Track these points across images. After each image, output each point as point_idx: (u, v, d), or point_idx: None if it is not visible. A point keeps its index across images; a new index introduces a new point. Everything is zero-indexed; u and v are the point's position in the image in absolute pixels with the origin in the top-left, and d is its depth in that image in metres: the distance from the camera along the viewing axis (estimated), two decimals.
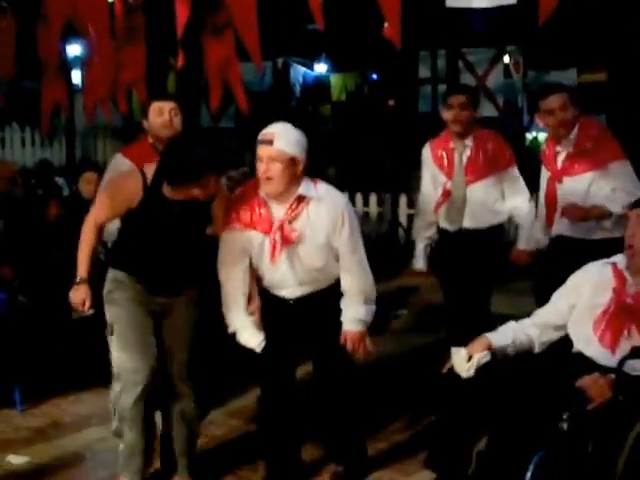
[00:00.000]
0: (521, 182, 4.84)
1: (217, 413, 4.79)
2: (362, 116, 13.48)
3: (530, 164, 5.14)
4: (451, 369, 3.37)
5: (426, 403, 4.66)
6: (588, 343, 3.32)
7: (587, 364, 3.29)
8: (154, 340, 3.71)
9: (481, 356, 3.32)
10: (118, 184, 3.71)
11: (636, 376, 3.16)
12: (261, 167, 3.47)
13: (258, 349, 3.69)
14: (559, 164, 4.47)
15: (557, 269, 4.44)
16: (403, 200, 10.58)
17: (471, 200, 4.80)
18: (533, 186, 4.83)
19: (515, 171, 4.82)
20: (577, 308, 3.40)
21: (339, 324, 3.71)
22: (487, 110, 10.86)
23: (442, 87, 11.51)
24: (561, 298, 3.47)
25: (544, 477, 2.95)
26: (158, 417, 3.93)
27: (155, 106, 4.38)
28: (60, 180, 9.06)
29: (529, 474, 2.92)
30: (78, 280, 3.66)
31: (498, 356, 3.39)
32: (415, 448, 4.27)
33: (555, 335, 3.47)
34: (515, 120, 11.92)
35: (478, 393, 3.44)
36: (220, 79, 6.31)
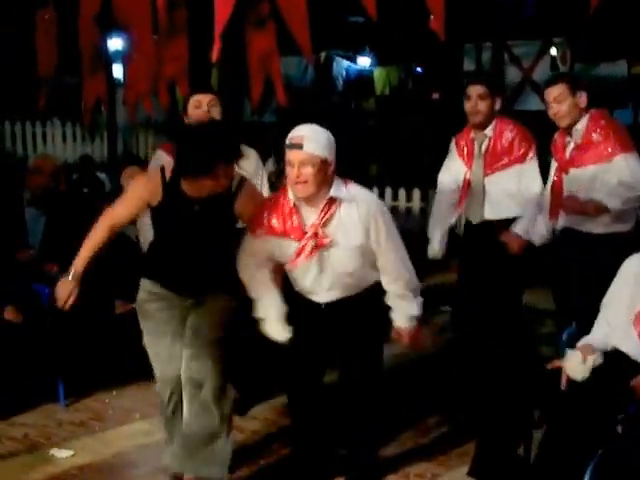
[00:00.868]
0: (537, 175, 4.79)
1: (260, 408, 4.84)
2: (406, 110, 13.44)
3: None
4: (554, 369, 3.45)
5: (460, 403, 4.69)
6: (625, 338, 3.31)
7: (627, 362, 3.30)
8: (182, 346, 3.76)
9: (595, 357, 3.35)
10: (136, 183, 3.73)
11: None
12: (293, 172, 3.42)
13: (282, 342, 3.69)
14: (567, 155, 4.48)
15: (565, 262, 4.53)
16: None
17: (490, 191, 4.80)
18: None
19: (533, 163, 4.77)
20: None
21: (371, 330, 3.71)
22: (533, 103, 10.81)
23: None
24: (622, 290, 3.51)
25: None
26: None
27: (193, 99, 4.47)
28: (102, 175, 9.18)
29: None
30: (70, 275, 3.63)
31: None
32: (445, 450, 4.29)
33: None
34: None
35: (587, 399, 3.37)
36: (261, 73, 6.35)
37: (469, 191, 4.85)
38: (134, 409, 4.85)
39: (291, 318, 3.70)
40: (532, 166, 4.76)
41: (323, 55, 13.12)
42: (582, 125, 4.40)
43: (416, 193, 10.93)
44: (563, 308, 4.61)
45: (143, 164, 5.67)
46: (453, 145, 5.02)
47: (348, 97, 13.80)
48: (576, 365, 3.35)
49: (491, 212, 4.81)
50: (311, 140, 3.41)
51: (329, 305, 3.66)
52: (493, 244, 4.73)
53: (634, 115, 12.76)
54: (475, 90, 4.77)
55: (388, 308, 3.71)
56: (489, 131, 4.81)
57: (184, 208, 3.55)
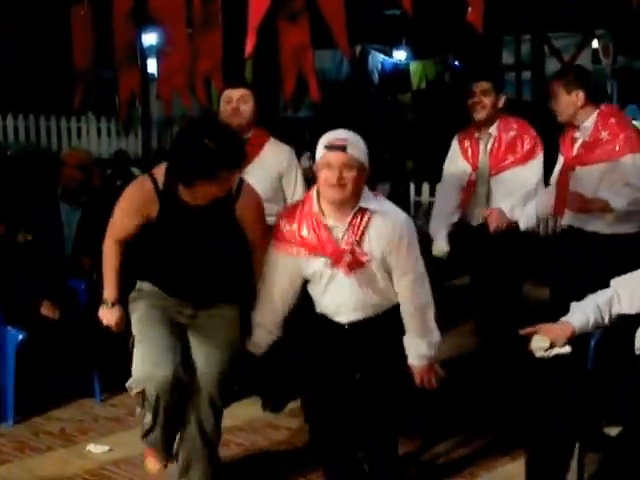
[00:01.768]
0: (538, 171, 4.79)
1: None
2: (443, 104, 13.40)
3: None
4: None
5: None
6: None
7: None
8: (175, 346, 3.54)
9: (562, 350, 3.33)
10: (126, 197, 3.55)
11: None
12: (331, 174, 3.28)
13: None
14: (574, 151, 4.45)
15: (567, 261, 4.50)
16: None
17: (495, 191, 4.81)
18: None
19: (538, 161, 4.79)
20: None
21: (394, 352, 3.53)
22: None
23: (526, 74, 11.37)
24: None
25: None
26: None
27: (224, 94, 4.53)
28: (137, 171, 9.25)
29: None
30: (109, 305, 3.68)
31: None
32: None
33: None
34: None
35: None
36: (294, 67, 6.37)
37: (473, 192, 4.86)
38: None
39: (311, 340, 3.63)
40: (536, 163, 4.78)
41: (358, 49, 13.09)
42: (590, 122, 4.37)
43: None
44: (559, 306, 4.55)
45: None
46: (456, 144, 5.02)
47: (384, 91, 13.77)
48: (538, 345, 3.36)
49: None
50: (354, 144, 3.33)
51: (352, 325, 3.53)
52: (493, 246, 4.74)
53: None
54: (479, 86, 4.80)
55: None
56: (493, 130, 4.82)
57: (184, 216, 3.42)
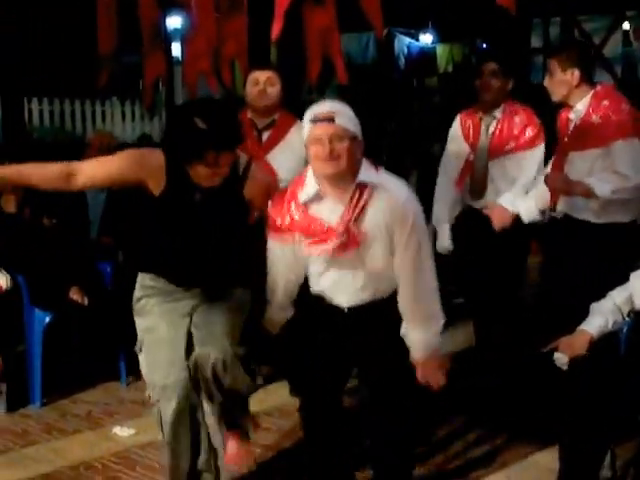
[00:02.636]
0: (539, 161, 4.71)
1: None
2: (470, 88, 13.35)
3: None
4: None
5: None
6: None
7: None
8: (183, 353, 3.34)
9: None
10: (135, 152, 3.35)
11: None
12: (322, 148, 3.08)
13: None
14: (568, 135, 4.32)
15: (558, 250, 4.39)
16: None
17: (494, 176, 4.77)
18: None
19: (539, 150, 4.73)
20: None
21: (397, 338, 3.32)
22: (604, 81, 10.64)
23: None
24: None
25: None
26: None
27: (251, 76, 4.56)
28: None
29: None
30: None
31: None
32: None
33: None
34: (635, 91, 11.62)
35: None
36: (320, 50, 6.37)
37: (472, 174, 4.81)
38: None
39: (308, 324, 3.45)
40: (537, 153, 4.72)
41: (384, 32, 13.07)
42: (583, 104, 4.21)
43: None
44: (550, 296, 4.49)
45: None
46: (457, 124, 4.98)
47: (410, 75, 13.73)
48: (562, 365, 3.45)
49: (494, 198, 4.73)
50: (342, 114, 3.12)
51: (353, 309, 3.33)
52: (494, 231, 4.64)
53: None
54: (487, 67, 4.79)
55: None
56: (498, 113, 4.79)
57: (190, 197, 3.23)
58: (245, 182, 3.31)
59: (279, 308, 3.45)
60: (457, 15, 12.31)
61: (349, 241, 3.16)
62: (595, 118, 4.15)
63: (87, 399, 4.99)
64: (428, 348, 3.30)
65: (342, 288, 3.31)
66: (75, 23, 9.72)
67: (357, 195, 3.14)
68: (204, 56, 6.87)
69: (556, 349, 3.50)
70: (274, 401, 4.87)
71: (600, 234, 4.19)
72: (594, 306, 3.53)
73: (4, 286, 4.82)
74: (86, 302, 4.98)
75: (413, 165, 8.19)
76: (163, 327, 3.35)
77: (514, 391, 4.74)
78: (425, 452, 4.15)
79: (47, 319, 4.82)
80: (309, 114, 3.15)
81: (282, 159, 4.52)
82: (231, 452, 3.54)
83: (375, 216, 3.15)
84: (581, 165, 4.20)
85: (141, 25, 7.14)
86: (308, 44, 6.41)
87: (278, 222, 3.27)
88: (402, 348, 3.32)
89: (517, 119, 4.78)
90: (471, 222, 4.91)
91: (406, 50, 13.65)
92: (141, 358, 3.46)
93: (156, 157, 3.21)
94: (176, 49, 9.68)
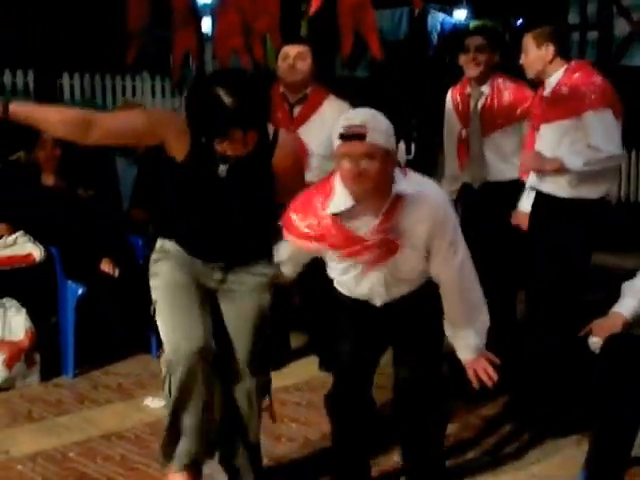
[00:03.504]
0: None
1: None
2: (504, 65, 13.29)
3: None
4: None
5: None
6: None
7: None
8: (204, 315, 3.28)
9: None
10: (159, 111, 3.21)
11: None
12: (350, 167, 2.97)
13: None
14: (539, 109, 4.31)
15: (539, 228, 4.34)
16: None
17: (489, 153, 4.74)
18: None
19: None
20: None
21: (430, 325, 3.37)
22: None
23: (592, 34, 11.22)
24: None
25: None
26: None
27: (282, 51, 4.63)
28: None
29: None
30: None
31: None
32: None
33: None
34: None
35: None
36: (352, 26, 6.40)
37: (468, 151, 4.78)
38: None
39: (340, 315, 3.46)
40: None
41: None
42: (556, 78, 4.19)
43: None
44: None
45: None
46: (449, 99, 4.95)
47: (443, 51, 13.70)
48: (596, 350, 3.46)
49: (492, 174, 4.74)
50: (374, 129, 2.96)
51: (386, 304, 3.34)
52: (496, 209, 4.67)
53: None
54: (473, 41, 4.74)
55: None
56: (486, 88, 4.74)
57: (213, 167, 3.15)
58: (274, 151, 3.22)
59: (290, 270, 3.48)
60: None
61: (386, 252, 3.14)
62: (565, 89, 4.13)
63: (118, 371, 5.11)
64: (477, 348, 3.31)
65: (374, 294, 3.32)
66: None
67: (392, 206, 3.07)
68: (236, 32, 6.92)
69: (590, 333, 3.54)
70: (304, 375, 4.97)
71: (567, 210, 4.17)
72: (625, 286, 3.55)
73: (38, 258, 4.95)
74: (117, 273, 5.09)
75: (442, 143, 8.26)
76: (183, 288, 3.28)
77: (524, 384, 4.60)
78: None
79: (80, 291, 4.94)
80: (339, 126, 3.00)
81: (313, 133, 4.59)
82: None
83: (413, 226, 3.11)
84: (551, 136, 4.19)
85: (172, 0, 7.21)
86: (340, 19, 6.45)
87: (305, 229, 3.19)
88: (438, 329, 3.35)
89: (507, 92, 4.72)
90: (469, 199, 4.91)
91: (439, 26, 13.60)
92: (159, 323, 3.36)
93: (183, 121, 3.11)
94: (205, 25, 9.72)
